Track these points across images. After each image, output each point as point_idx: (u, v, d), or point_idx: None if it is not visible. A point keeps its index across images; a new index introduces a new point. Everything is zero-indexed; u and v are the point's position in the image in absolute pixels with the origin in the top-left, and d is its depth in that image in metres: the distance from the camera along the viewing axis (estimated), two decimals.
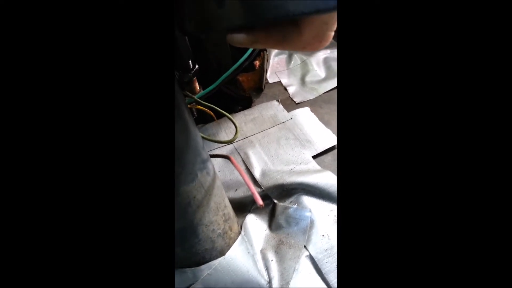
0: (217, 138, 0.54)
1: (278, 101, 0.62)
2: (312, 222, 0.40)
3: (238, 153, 0.51)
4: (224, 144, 0.53)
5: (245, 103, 0.65)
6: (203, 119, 0.57)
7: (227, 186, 0.46)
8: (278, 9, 0.15)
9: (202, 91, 0.49)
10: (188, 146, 0.27)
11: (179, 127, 0.25)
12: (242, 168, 0.49)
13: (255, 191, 0.29)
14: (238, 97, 0.63)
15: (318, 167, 0.47)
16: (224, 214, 0.34)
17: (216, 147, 0.52)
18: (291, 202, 0.43)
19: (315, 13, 0.13)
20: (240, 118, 0.58)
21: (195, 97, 0.45)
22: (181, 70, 0.45)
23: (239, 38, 0.20)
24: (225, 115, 0.39)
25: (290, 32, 0.16)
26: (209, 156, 0.33)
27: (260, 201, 0.28)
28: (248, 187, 0.29)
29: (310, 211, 0.41)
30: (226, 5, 0.19)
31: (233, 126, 0.43)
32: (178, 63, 0.45)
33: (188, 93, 0.46)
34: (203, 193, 0.29)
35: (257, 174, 0.46)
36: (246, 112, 0.60)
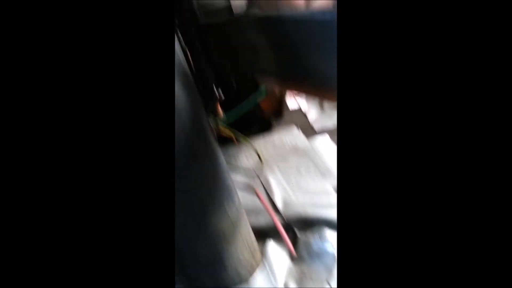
0: (238, 162, 0.54)
1: (297, 126, 0.62)
2: (334, 257, 0.39)
3: (259, 178, 0.51)
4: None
5: (264, 126, 0.65)
6: (223, 140, 0.58)
7: (248, 211, 0.45)
8: (313, 72, 0.17)
9: (224, 116, 0.50)
10: (217, 181, 0.27)
11: (208, 161, 0.26)
12: (263, 194, 0.48)
13: (288, 241, 0.29)
14: (256, 119, 0.64)
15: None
16: (249, 245, 0.33)
17: (236, 172, 0.52)
18: (313, 235, 0.42)
19: None
20: (260, 142, 0.58)
21: (219, 123, 0.46)
22: (206, 97, 0.46)
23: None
24: (252, 147, 0.39)
25: None
26: (234, 186, 0.33)
27: (294, 252, 0.28)
28: (280, 233, 0.29)
29: (332, 246, 0.40)
30: (261, 54, 0.20)
31: (253, 150, 0.43)
32: (202, 90, 0.45)
33: (212, 119, 0.47)
34: (230, 225, 0.29)
35: (278, 202, 0.46)
36: (266, 136, 0.60)
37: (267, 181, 0.50)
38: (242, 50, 0.23)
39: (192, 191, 0.24)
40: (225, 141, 0.57)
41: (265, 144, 0.58)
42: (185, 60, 0.22)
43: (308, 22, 0.16)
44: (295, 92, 0.22)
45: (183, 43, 0.26)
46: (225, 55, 0.27)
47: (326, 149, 0.55)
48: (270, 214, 0.31)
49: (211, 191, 0.26)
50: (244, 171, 0.53)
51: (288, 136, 0.60)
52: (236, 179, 0.50)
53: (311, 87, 0.18)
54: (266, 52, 0.19)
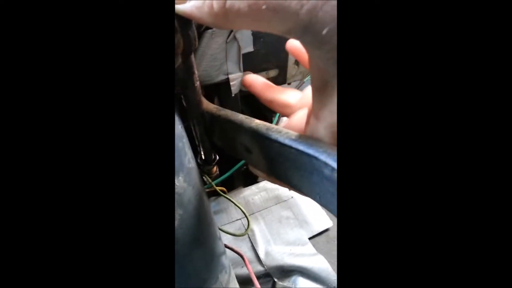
0: (228, 213, 0.61)
1: None
2: None
3: (245, 229, 0.59)
4: (235, 219, 0.61)
5: (252, 176, 0.73)
6: (214, 193, 0.65)
7: (234, 263, 0.53)
8: (294, 184, 0.19)
9: (218, 174, 0.58)
10: (214, 257, 0.34)
11: (209, 243, 0.33)
12: (249, 245, 0.56)
13: None
14: (245, 163, 0.72)
15: (313, 250, 0.54)
16: None
17: (226, 223, 0.60)
18: (289, 282, 0.50)
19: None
20: (248, 193, 0.66)
21: (213, 183, 0.53)
22: (204, 162, 0.53)
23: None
24: (242, 212, 0.46)
25: None
26: (225, 250, 0.40)
27: None
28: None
29: None
30: (253, 154, 0.23)
31: (241, 200, 0.50)
32: (200, 156, 0.53)
33: (207, 178, 0.54)
34: None
35: (261, 253, 0.54)
36: (253, 187, 0.68)
37: (253, 233, 0.57)
38: (236, 142, 0.24)
39: (193, 271, 0.32)
40: (214, 192, 0.65)
41: (253, 194, 0.66)
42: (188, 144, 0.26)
43: (292, 150, 0.17)
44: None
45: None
46: (221, 138, 0.29)
47: (305, 201, 0.64)
48: (251, 276, 0.39)
49: (209, 268, 0.33)
50: (234, 224, 0.60)
51: (272, 186, 0.68)
52: (228, 238, 0.57)
53: (291, 189, 0.20)
54: (257, 155, 0.21)
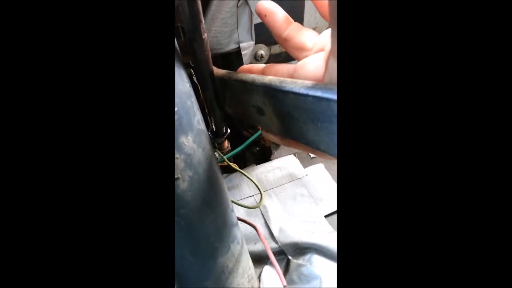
0: (240, 190, 0.60)
1: (295, 155, 0.68)
2: (321, 282, 0.45)
3: (258, 203, 0.57)
4: (248, 196, 0.59)
5: (265, 154, 0.71)
6: (227, 169, 0.64)
7: (248, 239, 0.52)
8: (310, 140, 0.18)
9: (230, 149, 0.56)
10: (226, 225, 0.33)
11: (219, 209, 0.32)
12: (262, 221, 0.54)
13: (280, 271, 0.35)
14: (257, 143, 0.70)
15: (330, 228, 0.52)
16: (248, 275, 0.39)
17: (239, 199, 0.58)
18: (304, 260, 0.48)
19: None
20: (261, 170, 0.65)
21: (225, 157, 0.52)
22: (216, 135, 0.52)
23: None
24: (256, 186, 0.45)
25: None
26: (237, 222, 0.39)
27: (283, 281, 0.33)
28: (273, 264, 0.35)
29: (320, 271, 0.46)
30: (266, 115, 0.22)
31: (254, 177, 0.49)
32: (211, 128, 0.52)
33: (219, 152, 0.53)
34: (234, 261, 0.35)
35: (274, 230, 0.52)
36: (266, 164, 0.66)
37: (266, 209, 0.56)
38: (248, 105, 0.23)
39: (204, 237, 0.31)
40: (228, 168, 0.63)
41: (266, 172, 0.64)
42: (197, 105, 0.25)
43: (308, 98, 0.16)
44: (296, 148, 0.24)
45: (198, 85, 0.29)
46: (232, 104, 0.28)
47: (320, 178, 0.61)
48: (266, 250, 0.37)
49: (220, 236, 0.32)
50: (247, 201, 0.59)
51: (286, 164, 0.66)
52: (240, 214, 0.55)
53: (309, 150, 0.20)
54: (270, 115, 0.20)
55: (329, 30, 0.17)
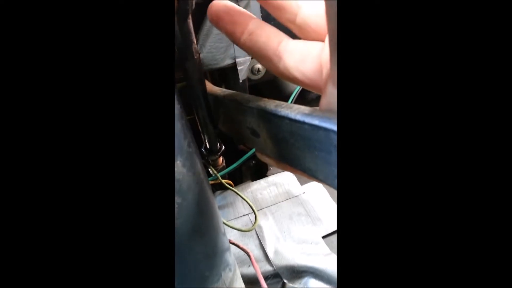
0: (234, 208, 0.58)
1: None
2: None
3: (253, 224, 0.55)
4: (241, 215, 0.57)
5: (261, 167, 0.69)
6: (221, 186, 0.62)
7: (240, 261, 0.50)
8: (307, 167, 0.17)
9: (224, 166, 0.55)
10: (217, 252, 0.31)
11: (210, 236, 0.30)
12: (256, 242, 0.52)
13: None
14: (254, 157, 0.69)
15: (327, 250, 0.50)
16: None
17: (232, 218, 0.56)
18: (300, 283, 0.46)
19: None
20: (256, 187, 0.63)
21: (219, 175, 0.50)
22: (209, 152, 0.50)
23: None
24: (249, 206, 0.43)
25: None
26: (230, 246, 0.37)
27: None
28: None
29: None
30: (260, 137, 0.21)
31: (249, 195, 0.47)
32: (205, 145, 0.50)
33: (212, 170, 0.51)
34: None
35: (269, 252, 0.50)
36: (261, 181, 0.64)
37: (261, 229, 0.54)
38: (242, 126, 0.22)
39: (193, 266, 0.29)
40: (221, 185, 0.61)
41: (261, 189, 0.62)
42: (188, 126, 0.24)
43: (304, 126, 0.16)
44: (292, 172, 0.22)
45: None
46: (226, 123, 0.27)
47: (318, 197, 0.60)
48: (258, 276, 0.35)
49: (211, 264, 0.30)
50: (241, 220, 0.57)
51: (282, 180, 0.64)
52: (233, 234, 0.53)
53: (307, 176, 0.19)
54: (264, 138, 0.20)
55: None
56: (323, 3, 0.13)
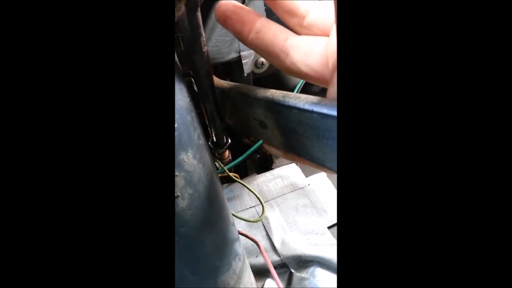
0: (241, 200, 0.59)
1: (297, 163, 0.67)
2: None
3: (260, 216, 0.56)
4: (249, 207, 0.58)
5: (267, 163, 0.70)
6: (227, 179, 0.63)
7: (249, 252, 0.51)
8: (315, 156, 0.17)
9: (231, 159, 0.55)
10: (227, 242, 0.32)
11: (220, 227, 0.31)
12: (263, 233, 0.53)
13: (281, 286, 0.34)
14: (258, 151, 0.69)
15: (333, 240, 0.51)
16: None
17: (239, 210, 0.57)
18: (307, 273, 0.47)
19: None
20: (262, 179, 0.63)
21: (226, 168, 0.51)
22: (216, 145, 0.51)
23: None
24: (257, 197, 0.44)
25: None
26: (239, 237, 0.38)
27: None
28: (274, 279, 0.34)
29: (324, 284, 0.45)
30: (268, 128, 0.21)
31: (255, 187, 0.48)
32: (212, 139, 0.51)
33: (219, 163, 0.52)
34: (235, 278, 0.34)
35: (276, 242, 0.51)
36: (267, 174, 0.65)
37: (268, 221, 0.55)
38: (249, 117, 0.23)
39: (204, 256, 0.29)
40: (228, 178, 0.62)
41: (267, 181, 0.63)
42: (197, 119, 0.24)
43: (313, 115, 0.16)
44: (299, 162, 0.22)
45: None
46: (233, 116, 0.27)
47: (323, 188, 0.60)
48: (268, 265, 0.36)
49: (221, 254, 0.31)
50: (248, 212, 0.58)
51: (288, 173, 0.65)
52: (241, 225, 0.54)
53: (314, 166, 0.19)
54: (272, 129, 0.20)
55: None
56: (330, 7, 0.13)
